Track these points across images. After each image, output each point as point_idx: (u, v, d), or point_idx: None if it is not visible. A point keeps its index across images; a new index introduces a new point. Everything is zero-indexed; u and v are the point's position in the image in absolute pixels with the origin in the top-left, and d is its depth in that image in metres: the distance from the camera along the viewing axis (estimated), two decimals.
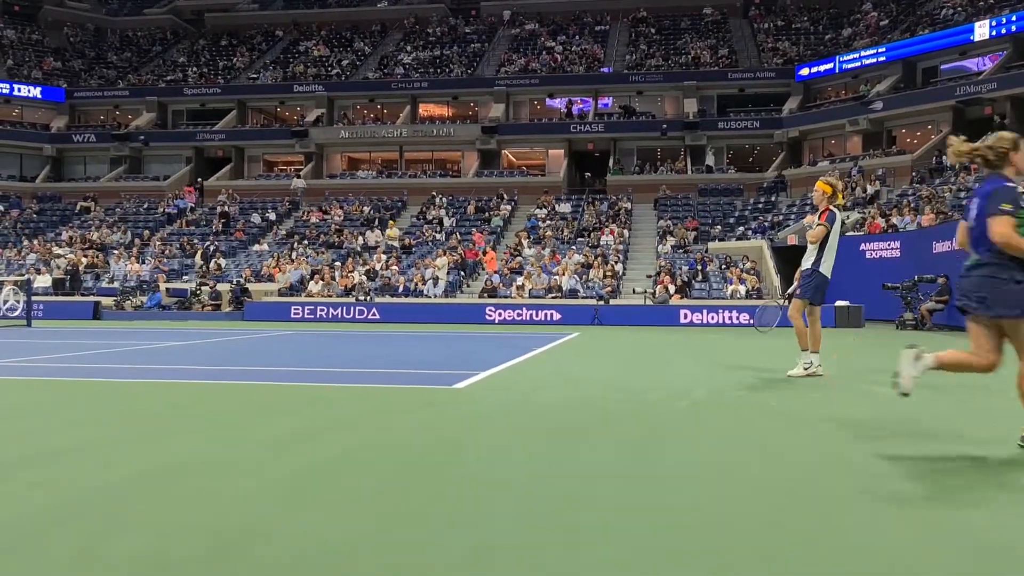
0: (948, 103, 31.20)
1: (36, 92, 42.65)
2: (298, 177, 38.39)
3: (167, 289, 26.15)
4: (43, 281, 26.94)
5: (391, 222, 31.06)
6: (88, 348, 11.82)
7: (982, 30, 31.30)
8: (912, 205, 24.40)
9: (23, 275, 25.04)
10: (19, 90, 42.22)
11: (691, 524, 2.82)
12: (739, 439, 4.55)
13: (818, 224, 7.79)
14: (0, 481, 3.45)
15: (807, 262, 7.89)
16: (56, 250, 31.26)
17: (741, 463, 3.89)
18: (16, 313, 20.82)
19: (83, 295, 26.54)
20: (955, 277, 16.84)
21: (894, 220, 23.93)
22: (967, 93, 30.62)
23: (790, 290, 8.40)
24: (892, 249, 22.26)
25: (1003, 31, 30.71)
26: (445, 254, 26.99)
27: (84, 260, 29.57)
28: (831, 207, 7.84)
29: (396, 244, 29.89)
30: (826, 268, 7.79)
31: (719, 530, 2.75)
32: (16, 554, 2.51)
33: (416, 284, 25.30)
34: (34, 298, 21.83)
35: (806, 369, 7.73)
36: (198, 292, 25.58)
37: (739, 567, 2.41)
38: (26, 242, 32.69)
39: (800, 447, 4.32)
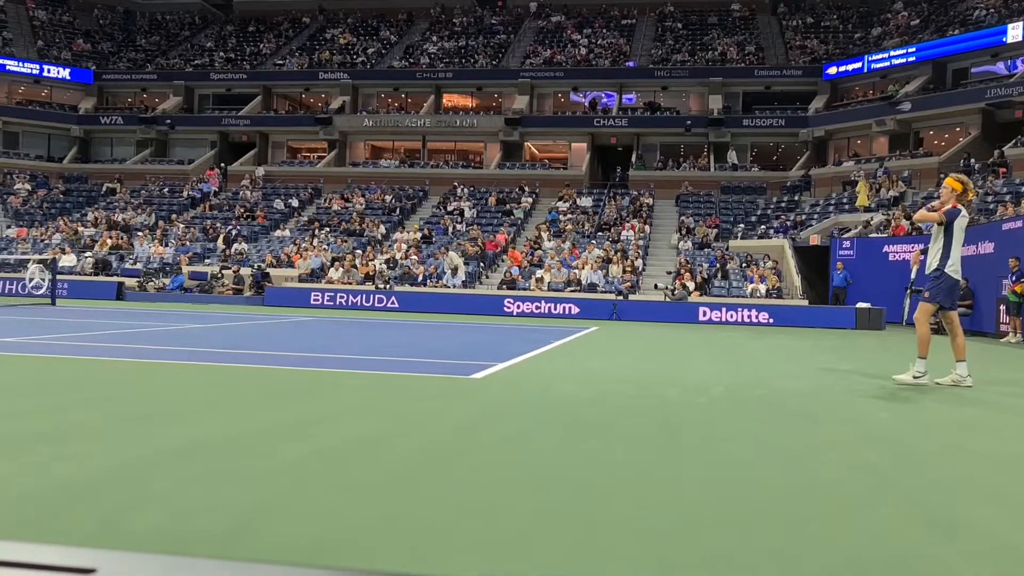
0: (978, 105, 30.80)
1: (65, 73, 43.07)
2: (258, 166, 39.04)
3: (189, 272, 26.37)
4: (68, 260, 27.25)
5: (414, 227, 31.08)
6: (111, 328, 11.96)
7: (1015, 32, 30.83)
8: None
9: (49, 254, 25.33)
10: (49, 71, 42.65)
11: (708, 521, 2.82)
12: (757, 438, 4.53)
13: (935, 211, 7.28)
14: (21, 456, 3.50)
15: (932, 262, 7.40)
16: (81, 229, 31.61)
17: (759, 462, 3.88)
18: (41, 291, 21.09)
19: (108, 276, 26.86)
20: (976, 281, 16.60)
21: (918, 224, 23.69)
22: (998, 96, 30.20)
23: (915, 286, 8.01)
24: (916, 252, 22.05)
25: None
26: (462, 244, 27.02)
27: (109, 242, 29.88)
28: (959, 204, 7.33)
29: (417, 236, 29.97)
30: (952, 270, 7.29)
31: (737, 529, 2.74)
32: (34, 526, 2.55)
33: (429, 278, 25.32)
34: (59, 277, 22.09)
35: (916, 377, 7.24)
36: (219, 276, 25.78)
37: (757, 567, 2.41)
38: (52, 222, 33.07)
39: (819, 448, 4.29)
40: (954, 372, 7.37)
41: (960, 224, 7.29)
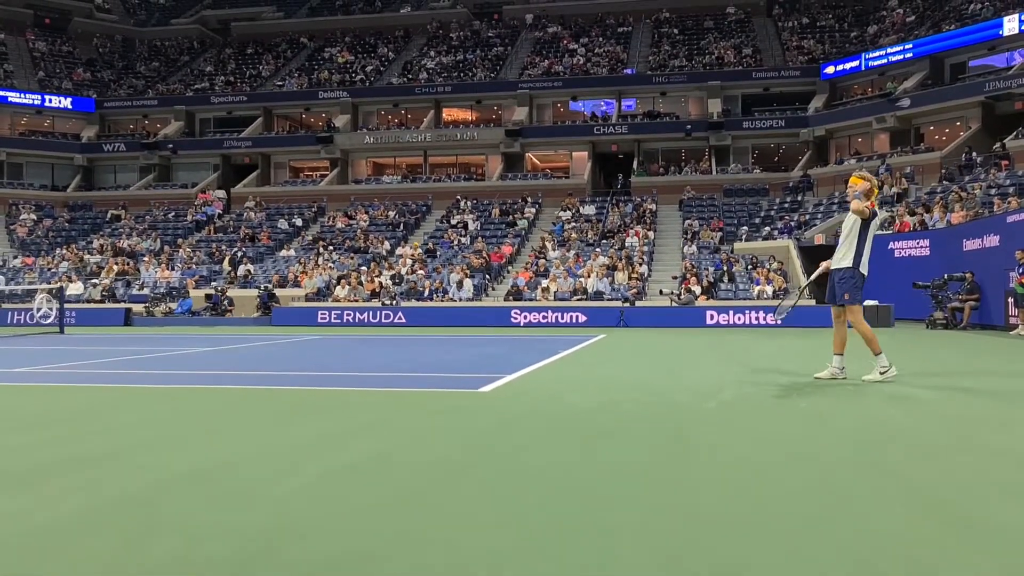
0: (977, 99, 30.80)
1: (67, 103, 43.37)
2: (218, 190, 39.45)
3: (207, 295, 26.30)
4: (75, 289, 27.35)
5: (415, 243, 31.15)
6: (119, 354, 11.99)
7: (1011, 24, 30.85)
8: (943, 202, 24.04)
9: (55, 283, 25.44)
10: (50, 101, 42.96)
11: (724, 526, 2.81)
12: (768, 441, 4.52)
13: (864, 205, 7.29)
14: (35, 486, 3.52)
15: (845, 259, 7.41)
16: (87, 256, 31.74)
17: (771, 465, 3.87)
18: (49, 320, 21.17)
19: (115, 302, 26.96)
20: (981, 274, 16.48)
21: (924, 218, 23.62)
22: (997, 88, 30.19)
23: (809, 281, 8.19)
24: (922, 248, 21.99)
25: None
26: (467, 257, 27.03)
27: (115, 268, 29.98)
28: (874, 204, 7.46)
29: (419, 251, 30.01)
30: (865, 266, 7.36)
31: (751, 533, 2.74)
32: (53, 558, 2.56)
33: (435, 293, 25.33)
34: (66, 305, 22.17)
35: (882, 372, 7.27)
36: (222, 296, 25.86)
37: (771, 567, 2.40)
38: (58, 250, 33.22)
39: (831, 450, 4.28)
40: (831, 366, 7.54)
41: (876, 222, 7.47)
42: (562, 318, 22.20)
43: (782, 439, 4.58)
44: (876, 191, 7.73)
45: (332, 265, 28.70)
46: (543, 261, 27.50)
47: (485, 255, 28.12)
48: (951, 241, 20.81)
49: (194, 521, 2.92)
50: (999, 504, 3.11)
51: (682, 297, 23.03)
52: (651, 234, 30.20)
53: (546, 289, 24.57)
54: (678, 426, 5.05)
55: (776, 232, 28.66)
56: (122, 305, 26.17)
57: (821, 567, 2.41)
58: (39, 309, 21.52)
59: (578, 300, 23.79)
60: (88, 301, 27.06)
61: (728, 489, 3.37)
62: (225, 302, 25.43)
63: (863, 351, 7.64)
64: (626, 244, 28.74)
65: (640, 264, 26.41)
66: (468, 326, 21.80)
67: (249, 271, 28.81)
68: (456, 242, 30.78)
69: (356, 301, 25.08)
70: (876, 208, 7.52)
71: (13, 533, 2.81)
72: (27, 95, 42.48)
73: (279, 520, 2.93)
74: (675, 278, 25.49)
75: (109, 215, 38.30)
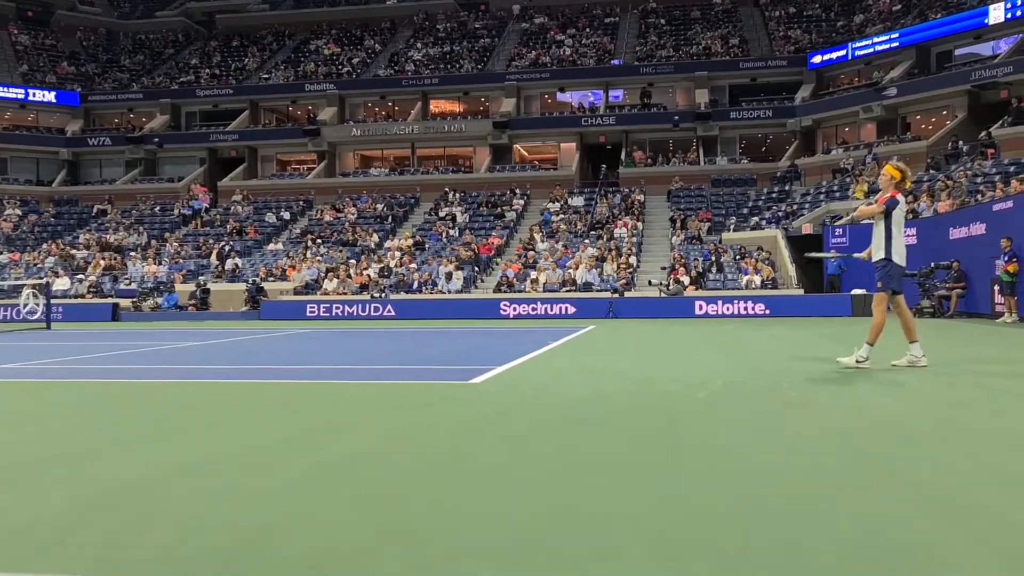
0: (963, 88, 30.89)
1: (51, 97, 42.99)
2: (205, 192, 39.01)
3: (190, 292, 26.15)
4: (62, 284, 27.16)
5: (406, 233, 31.08)
6: (107, 349, 11.92)
7: (997, 13, 30.96)
8: (930, 191, 24.14)
9: (42, 279, 25.26)
10: (34, 95, 42.58)
11: (715, 514, 2.82)
12: (759, 429, 4.53)
13: (874, 203, 7.36)
14: (23, 482, 3.49)
15: (878, 253, 7.50)
16: (73, 251, 31.53)
17: (762, 453, 3.88)
18: (36, 316, 21.02)
19: (102, 297, 26.81)
20: (968, 263, 16.52)
21: (915, 207, 23.69)
22: (983, 77, 30.30)
23: (860, 255, 8.10)
24: (908, 236, 21.94)
25: (1018, 13, 30.36)
26: (456, 249, 26.97)
27: (102, 263, 29.80)
28: (898, 192, 7.49)
29: (409, 243, 29.95)
30: (897, 256, 7.39)
31: (743, 519, 2.74)
32: (41, 553, 2.54)
33: (424, 285, 25.29)
34: (53, 301, 22.01)
35: (859, 362, 7.35)
36: (206, 289, 25.82)
37: (764, 555, 2.41)
38: (44, 246, 32.98)
39: (821, 437, 4.29)
40: (908, 354, 7.58)
41: (899, 213, 7.48)
42: (551, 310, 22.21)
43: (772, 428, 4.59)
44: (909, 182, 7.72)
45: (320, 258, 28.61)
46: (532, 253, 27.49)
47: (474, 247, 28.09)
48: (937, 230, 20.91)
49: (184, 516, 2.90)
50: (987, 489, 3.13)
51: (671, 287, 23.08)
52: (640, 225, 30.22)
53: (535, 281, 24.56)
54: (669, 416, 5.06)
55: (764, 222, 28.73)
56: (109, 300, 26.02)
57: (812, 552, 2.42)
58: (25, 305, 21.36)
59: (567, 291, 23.80)
60: (75, 296, 26.89)
61: (720, 478, 3.38)
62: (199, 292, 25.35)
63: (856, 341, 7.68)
64: (615, 235, 28.76)
65: (629, 255, 26.44)
66: (457, 318, 21.78)
67: (237, 265, 28.69)
68: (444, 234, 30.73)
69: (345, 294, 25.01)
70: (898, 196, 7.49)
71: (1, 528, 2.78)
72: (10, 89, 42.08)
73: (270, 514, 2.92)
74: (664, 269, 25.52)
75: (95, 210, 38.06)
